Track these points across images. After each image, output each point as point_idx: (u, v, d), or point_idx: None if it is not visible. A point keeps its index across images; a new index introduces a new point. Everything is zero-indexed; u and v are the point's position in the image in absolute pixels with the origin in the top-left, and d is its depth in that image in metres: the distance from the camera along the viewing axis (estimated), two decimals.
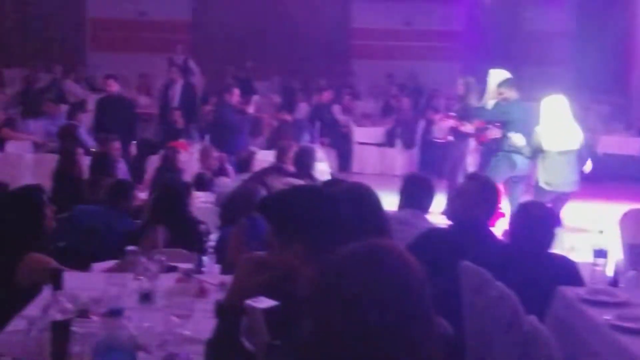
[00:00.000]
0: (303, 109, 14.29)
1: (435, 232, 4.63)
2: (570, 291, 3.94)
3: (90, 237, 5.85)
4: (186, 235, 5.79)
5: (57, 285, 2.73)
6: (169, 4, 17.30)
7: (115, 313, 2.25)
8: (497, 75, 9.39)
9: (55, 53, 16.50)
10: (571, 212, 8.70)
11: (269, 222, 2.63)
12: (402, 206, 5.28)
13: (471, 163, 10.42)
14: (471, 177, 4.97)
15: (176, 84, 12.58)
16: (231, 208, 6.88)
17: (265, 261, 2.61)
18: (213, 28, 17.81)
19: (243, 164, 8.89)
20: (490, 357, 3.47)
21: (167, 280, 3.95)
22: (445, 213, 5.85)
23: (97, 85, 15.88)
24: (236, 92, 10.85)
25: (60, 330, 2.70)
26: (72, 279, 3.61)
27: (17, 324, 3.23)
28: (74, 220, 6.09)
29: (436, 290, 2.02)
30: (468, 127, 9.63)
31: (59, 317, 2.71)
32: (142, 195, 8.54)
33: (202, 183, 8.83)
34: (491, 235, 4.50)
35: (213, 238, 6.00)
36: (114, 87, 10.94)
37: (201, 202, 8.06)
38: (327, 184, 5.04)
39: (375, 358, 1.87)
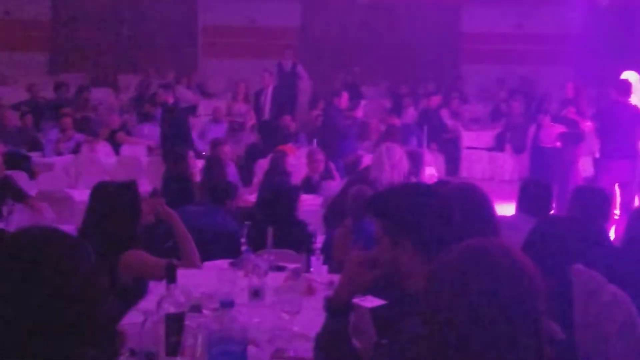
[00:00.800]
0: (410, 114, 14.24)
1: (548, 234, 4.54)
2: None
3: (194, 237, 5.98)
4: (294, 236, 5.87)
5: (171, 279, 2.81)
6: (279, 11, 17.53)
7: (226, 305, 2.30)
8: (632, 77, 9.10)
9: (168, 59, 16.96)
10: None
11: (378, 219, 2.63)
12: (516, 210, 5.21)
13: (583, 168, 10.20)
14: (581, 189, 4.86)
15: (267, 90, 12.77)
16: (337, 209, 6.94)
17: (373, 258, 2.62)
18: (321, 34, 17.96)
19: (350, 168, 8.93)
20: None
21: (275, 279, 4.02)
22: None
23: (209, 90, 16.28)
24: (345, 96, 10.90)
25: (174, 323, 2.78)
26: (184, 276, 3.71)
27: (132, 317, 3.34)
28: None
29: (548, 293, 1.99)
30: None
31: (172, 310, 2.79)
32: (251, 197, 8.71)
33: (309, 186, 8.93)
34: (606, 238, 4.40)
35: (320, 240, 6.06)
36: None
37: (308, 205, 8.15)
38: (436, 183, 5.02)
39: (485, 356, 1.85)
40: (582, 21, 17.20)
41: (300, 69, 15.24)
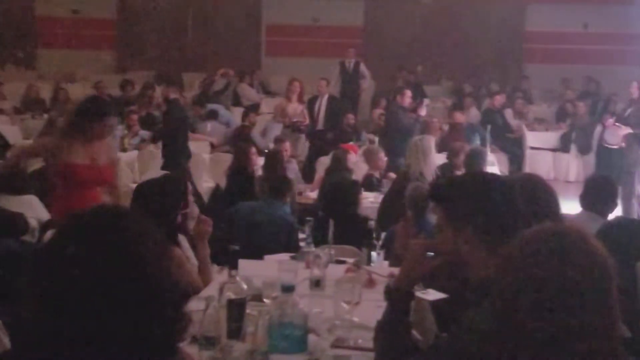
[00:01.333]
0: (474, 113, 14.14)
1: (613, 230, 4.48)
2: None
3: (253, 231, 6.02)
4: (355, 232, 5.87)
5: (233, 265, 2.85)
6: (342, 11, 17.56)
7: (287, 289, 2.33)
8: None
9: (232, 58, 17.11)
10: None
11: (439, 206, 2.63)
12: (581, 208, 5.14)
13: None
14: None
15: (322, 98, 12.30)
16: (388, 206, 6.95)
17: (434, 246, 2.62)
18: (384, 33, 17.93)
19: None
20: None
21: (336, 271, 4.04)
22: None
23: (271, 89, 16.38)
24: (408, 94, 10.88)
25: (236, 308, 2.82)
26: (245, 267, 3.75)
27: (193, 305, 3.39)
28: (236, 215, 6.31)
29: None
30: None
31: (234, 296, 2.83)
32: (312, 194, 8.75)
33: (370, 184, 8.93)
34: None
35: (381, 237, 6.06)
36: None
37: (370, 202, 8.15)
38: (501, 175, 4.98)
39: (555, 343, 1.82)
40: None
41: (362, 67, 15.23)
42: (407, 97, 10.85)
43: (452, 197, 2.60)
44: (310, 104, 12.16)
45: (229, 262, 2.85)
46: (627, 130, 10.15)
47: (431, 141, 7.90)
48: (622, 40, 17.05)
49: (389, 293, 2.69)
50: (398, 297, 2.62)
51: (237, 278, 2.86)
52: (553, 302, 1.83)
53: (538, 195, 3.10)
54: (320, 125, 12.03)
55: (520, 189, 2.85)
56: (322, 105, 12.15)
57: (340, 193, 6.63)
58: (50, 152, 5.49)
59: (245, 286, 2.90)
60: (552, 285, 1.84)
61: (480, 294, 2.39)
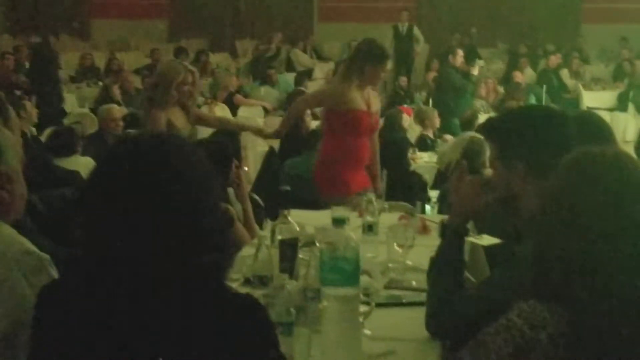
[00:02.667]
0: (529, 74, 13.95)
1: None
2: None
3: (297, 184, 6.00)
4: (408, 186, 5.87)
5: (284, 205, 2.86)
6: None
7: (339, 222, 2.32)
8: None
9: (284, 24, 17.09)
10: None
11: (493, 142, 2.60)
12: None
13: None
14: None
15: None
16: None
17: (488, 182, 2.59)
18: None
19: (467, 124, 8.81)
20: None
21: (390, 219, 4.02)
22: None
23: (324, 54, 16.34)
24: (459, 53, 10.77)
25: (288, 248, 2.83)
26: (298, 215, 3.76)
27: (245, 250, 3.41)
28: (282, 172, 6.35)
29: None
30: None
31: (286, 236, 2.84)
32: None
33: (424, 144, 8.89)
34: None
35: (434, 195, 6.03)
36: None
37: (424, 162, 8.12)
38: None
39: (593, 280, 1.77)
40: None
41: (416, 31, 15.09)
42: (459, 57, 10.74)
43: (505, 132, 2.56)
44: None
45: (280, 202, 2.86)
46: None
47: None
48: None
49: (443, 229, 2.68)
50: (452, 232, 2.61)
51: (289, 218, 2.87)
52: (582, 235, 1.77)
53: (595, 133, 3.03)
54: None
55: (574, 124, 2.80)
56: None
57: (392, 148, 6.62)
58: (333, 98, 5.39)
59: (297, 227, 2.91)
60: (585, 214, 1.78)
61: (530, 228, 2.36)
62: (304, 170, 6.02)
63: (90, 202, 1.70)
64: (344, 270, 2.28)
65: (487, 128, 2.68)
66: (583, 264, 1.73)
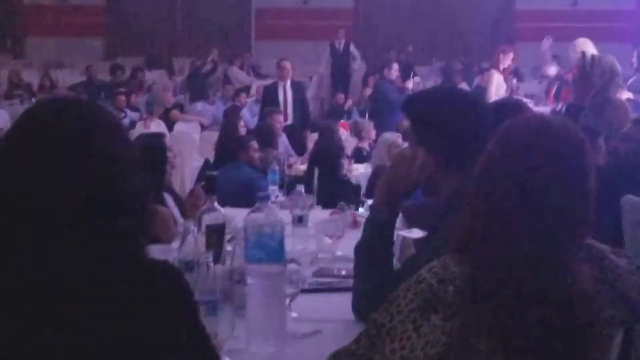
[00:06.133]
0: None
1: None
2: None
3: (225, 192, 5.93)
4: (341, 192, 5.89)
5: (211, 190, 2.83)
6: None
7: (263, 198, 2.31)
8: None
9: (222, 42, 17.08)
10: None
11: (412, 122, 2.60)
12: None
13: None
14: (636, 122, 4.79)
15: (285, 84, 10.61)
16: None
17: (411, 157, 2.57)
18: (375, 14, 17.92)
19: (403, 136, 8.89)
20: None
21: (322, 215, 4.04)
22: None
23: (262, 72, 16.37)
24: (395, 67, 10.88)
25: (215, 234, 2.81)
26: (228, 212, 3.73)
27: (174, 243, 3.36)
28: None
29: (599, 230, 1.89)
30: None
31: (213, 222, 2.81)
32: (302, 167, 8.74)
33: (360, 156, 8.95)
34: None
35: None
36: None
37: (360, 173, 8.16)
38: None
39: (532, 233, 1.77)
40: None
41: (353, 48, 15.22)
42: (394, 71, 10.85)
43: (423, 112, 2.56)
44: (270, 93, 10.69)
45: (207, 187, 2.84)
46: (627, 94, 10.09)
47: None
48: (610, 18, 17.07)
49: (371, 210, 2.67)
50: (378, 213, 2.60)
51: (216, 204, 2.85)
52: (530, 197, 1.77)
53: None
54: (290, 119, 10.47)
55: (500, 111, 2.84)
56: (286, 93, 10.62)
57: (325, 157, 6.65)
58: None
59: (223, 211, 2.89)
60: (536, 176, 1.78)
61: (450, 207, 2.36)
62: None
63: (4, 156, 1.66)
64: (268, 246, 2.27)
65: (406, 106, 2.67)
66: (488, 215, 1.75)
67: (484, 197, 1.81)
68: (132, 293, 1.64)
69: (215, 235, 2.80)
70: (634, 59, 11.05)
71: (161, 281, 1.68)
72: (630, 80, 10.87)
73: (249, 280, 2.29)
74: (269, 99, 10.42)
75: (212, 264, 2.42)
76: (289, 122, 10.24)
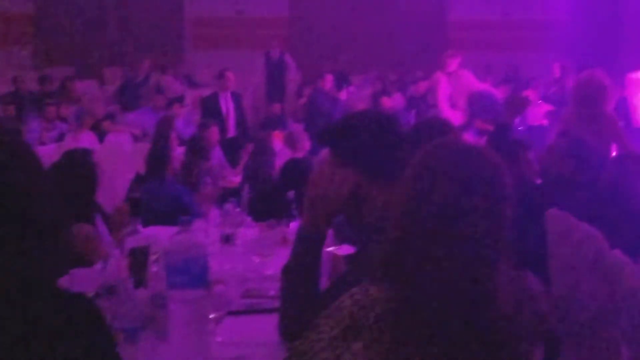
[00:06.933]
0: (398, 99, 14.25)
1: (523, 186, 4.53)
2: None
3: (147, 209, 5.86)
4: (274, 204, 5.85)
5: (135, 212, 2.78)
6: (266, 1, 17.51)
7: (185, 223, 2.27)
8: None
9: (155, 51, 16.90)
10: None
11: (330, 149, 2.57)
12: None
13: None
14: (561, 134, 4.86)
15: (226, 94, 10.63)
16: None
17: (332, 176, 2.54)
18: (310, 23, 17.94)
19: None
20: (578, 302, 3.36)
21: (251, 231, 3.99)
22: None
23: (196, 81, 16.24)
24: (329, 78, 10.89)
25: (139, 257, 2.75)
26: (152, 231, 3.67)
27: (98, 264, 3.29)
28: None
29: (524, 245, 1.90)
30: None
31: (136, 244, 2.76)
32: (236, 179, 8.67)
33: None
34: (579, 189, 4.39)
35: None
36: None
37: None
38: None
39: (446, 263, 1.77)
40: (569, 7, 17.21)
41: (288, 58, 15.20)
42: (328, 82, 10.86)
43: (340, 138, 2.54)
44: (211, 103, 10.54)
45: (132, 210, 2.78)
46: (549, 107, 10.36)
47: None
48: (543, 28, 17.40)
49: (298, 231, 2.63)
50: (308, 233, 2.56)
51: (139, 227, 2.79)
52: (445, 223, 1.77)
53: (439, 134, 3.09)
54: (232, 131, 10.39)
55: (425, 129, 2.84)
56: (229, 103, 10.53)
57: (259, 170, 6.61)
58: None
59: (146, 234, 2.83)
60: (444, 201, 1.79)
61: (376, 229, 2.34)
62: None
63: None
64: (191, 271, 2.23)
65: (323, 135, 2.65)
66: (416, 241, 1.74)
67: (404, 223, 1.81)
68: (41, 324, 1.60)
69: (138, 258, 2.73)
70: (556, 69, 11.31)
71: (71, 311, 1.64)
72: (552, 90, 11.13)
73: (171, 306, 2.25)
74: (209, 109, 10.35)
75: (133, 289, 2.36)
76: (232, 134, 10.20)
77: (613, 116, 6.53)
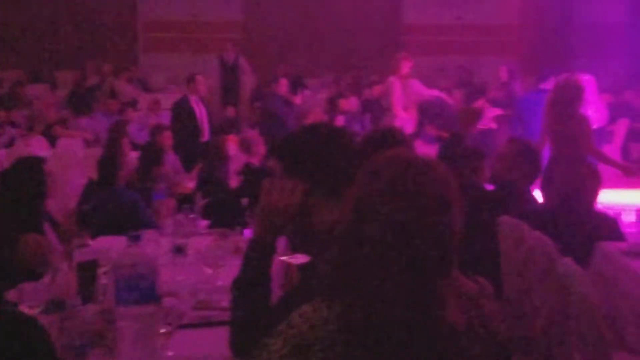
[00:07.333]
0: (353, 102, 14.28)
1: (475, 192, 4.56)
2: (611, 246, 3.84)
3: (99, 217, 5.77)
4: (228, 210, 5.83)
5: (83, 225, 2.73)
6: (220, 5, 17.43)
7: (134, 239, 2.23)
8: None
9: (108, 55, 16.74)
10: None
11: (280, 161, 2.56)
12: None
13: None
14: (512, 141, 4.90)
15: (198, 98, 10.67)
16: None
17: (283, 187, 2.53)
18: (264, 27, 17.90)
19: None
20: (530, 307, 3.39)
21: (204, 240, 3.96)
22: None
23: (150, 85, 16.12)
24: (283, 82, 10.87)
25: (87, 271, 2.70)
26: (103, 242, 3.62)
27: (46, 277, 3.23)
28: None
29: (476, 250, 1.90)
30: None
31: (85, 258, 2.71)
32: (191, 184, 8.62)
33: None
34: (530, 195, 4.43)
35: None
36: None
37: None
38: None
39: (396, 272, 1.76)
40: (522, 11, 17.41)
41: (242, 62, 15.14)
42: (283, 86, 10.84)
43: (289, 152, 2.53)
44: (184, 107, 10.48)
45: (79, 224, 2.74)
46: (498, 111, 10.47)
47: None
48: (496, 31, 17.58)
49: (249, 245, 2.61)
50: (257, 246, 2.54)
51: (87, 240, 2.74)
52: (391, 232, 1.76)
53: (392, 144, 3.09)
54: (207, 135, 10.40)
55: (377, 139, 2.83)
56: (201, 107, 10.58)
57: (213, 175, 6.57)
58: None
59: (94, 246, 2.79)
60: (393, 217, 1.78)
61: (325, 243, 2.34)
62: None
63: None
64: (139, 287, 2.20)
65: (274, 149, 2.65)
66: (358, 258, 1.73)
67: (349, 238, 1.80)
68: None
69: (87, 272, 2.69)
70: (504, 73, 11.42)
71: (12, 332, 1.60)
72: (499, 95, 11.26)
73: (120, 323, 2.21)
74: (182, 114, 10.30)
75: (81, 305, 2.32)
76: (207, 138, 10.19)
77: (584, 117, 6.94)
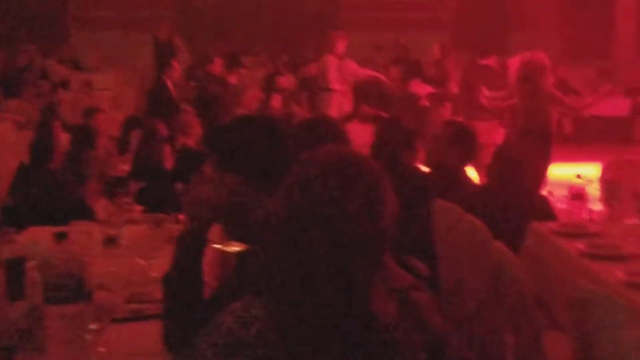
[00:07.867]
0: (290, 80, 14.22)
1: (409, 175, 4.57)
2: (543, 226, 3.90)
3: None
4: (167, 194, 5.77)
5: (7, 222, 2.67)
6: None
7: (60, 237, 2.19)
8: None
9: (37, 33, 16.33)
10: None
11: (213, 154, 2.55)
12: None
13: None
14: (447, 123, 4.93)
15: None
16: None
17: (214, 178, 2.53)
18: (200, 4, 17.69)
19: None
20: (465, 290, 3.42)
21: (137, 228, 3.90)
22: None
23: (82, 64, 15.80)
24: (218, 61, 10.77)
25: (15, 268, 2.64)
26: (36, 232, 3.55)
27: None
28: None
29: (414, 234, 1.91)
30: None
31: (11, 255, 2.64)
32: (126, 167, 8.50)
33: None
34: (465, 177, 4.46)
35: None
36: None
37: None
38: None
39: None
40: None
41: (177, 40, 14.95)
42: (217, 65, 10.74)
43: (223, 145, 2.52)
44: (162, 92, 10.94)
45: (3, 220, 2.67)
46: (430, 89, 10.53)
47: None
48: (431, 7, 17.67)
49: (180, 236, 2.59)
50: (190, 237, 2.52)
51: (15, 236, 2.68)
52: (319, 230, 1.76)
53: (323, 135, 3.07)
54: None
55: (307, 130, 2.82)
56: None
57: (148, 159, 6.49)
58: None
59: (21, 240, 2.72)
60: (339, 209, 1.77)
61: (260, 234, 2.33)
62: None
63: None
64: (67, 286, 2.16)
65: (207, 140, 2.64)
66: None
67: (279, 233, 1.79)
68: None
69: (15, 269, 2.62)
70: (436, 50, 11.49)
71: None
72: (431, 72, 11.34)
73: (48, 322, 2.17)
74: (160, 99, 10.34)
75: (8, 305, 2.27)
76: None
77: (551, 89, 7.54)
